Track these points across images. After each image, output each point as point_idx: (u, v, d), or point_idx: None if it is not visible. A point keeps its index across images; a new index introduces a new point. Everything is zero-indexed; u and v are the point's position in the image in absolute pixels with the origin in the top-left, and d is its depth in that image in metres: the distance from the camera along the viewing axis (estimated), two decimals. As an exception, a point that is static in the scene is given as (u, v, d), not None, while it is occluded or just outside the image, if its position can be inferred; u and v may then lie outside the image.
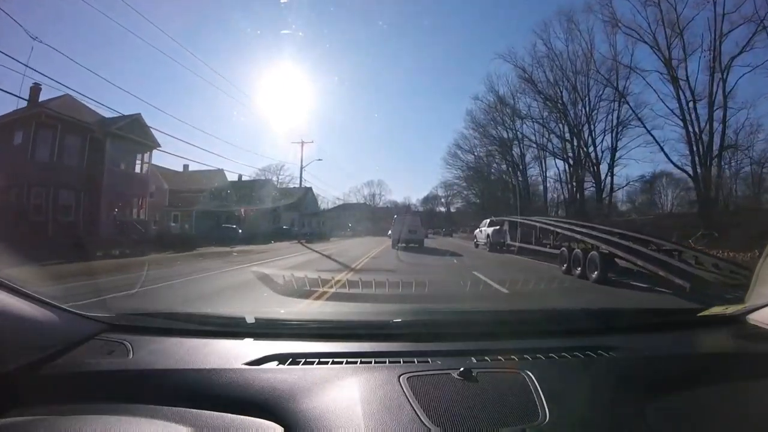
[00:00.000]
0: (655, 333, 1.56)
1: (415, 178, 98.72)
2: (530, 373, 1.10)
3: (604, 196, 32.01)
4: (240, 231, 28.04)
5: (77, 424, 0.94)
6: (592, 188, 33.18)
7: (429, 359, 1.22)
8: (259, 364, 1.18)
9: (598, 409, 1.03)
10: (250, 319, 1.45)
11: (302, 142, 30.95)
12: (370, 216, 60.04)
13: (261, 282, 6.24)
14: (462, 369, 1.10)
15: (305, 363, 1.20)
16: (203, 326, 1.47)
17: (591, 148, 32.61)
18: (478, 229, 20.73)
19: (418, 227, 20.10)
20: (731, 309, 1.62)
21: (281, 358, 1.21)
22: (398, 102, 73.26)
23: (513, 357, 1.23)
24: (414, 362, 1.20)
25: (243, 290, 6.52)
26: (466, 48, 60.69)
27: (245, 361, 1.19)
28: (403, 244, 18.36)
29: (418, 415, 0.93)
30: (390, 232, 24.36)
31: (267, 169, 44.35)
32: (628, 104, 29.27)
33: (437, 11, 51.83)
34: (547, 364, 1.22)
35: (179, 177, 33.40)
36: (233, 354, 1.24)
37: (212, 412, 0.99)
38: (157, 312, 1.61)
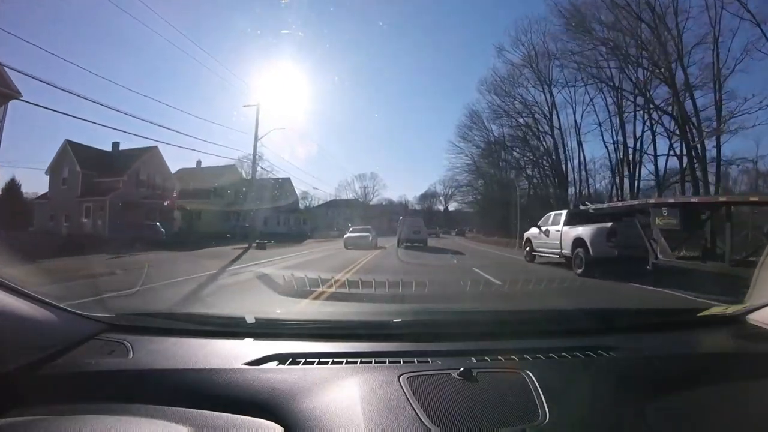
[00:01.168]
0: (655, 333, 1.56)
1: (411, 176, 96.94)
2: (530, 373, 1.10)
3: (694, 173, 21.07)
4: (163, 230, 21.77)
5: (77, 424, 0.94)
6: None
7: (429, 359, 1.22)
8: (259, 364, 1.18)
9: (598, 409, 1.03)
10: (250, 319, 1.45)
11: (257, 105, 21.06)
12: (362, 214, 53.36)
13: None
14: (462, 369, 1.10)
15: (305, 363, 1.20)
16: (203, 326, 1.47)
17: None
18: (534, 230, 11.93)
19: (421, 228, 21.60)
20: (731, 309, 1.63)
21: (281, 358, 1.21)
22: (394, 100, 71.93)
23: (513, 357, 1.23)
24: (414, 362, 1.20)
25: None
26: (465, 47, 60.31)
27: (245, 361, 1.19)
28: (408, 243, 19.58)
29: (418, 415, 0.94)
30: (346, 236, 20.37)
31: (246, 158, 36.57)
32: (759, 26, 17.85)
33: (436, 10, 51.44)
34: (547, 364, 1.22)
35: (103, 158, 25.13)
36: (233, 354, 1.24)
37: (212, 412, 0.99)
38: (157, 312, 1.61)
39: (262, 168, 26.57)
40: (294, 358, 1.21)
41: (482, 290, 5.91)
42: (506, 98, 33.35)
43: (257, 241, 19.16)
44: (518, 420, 0.94)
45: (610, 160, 27.19)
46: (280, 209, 35.88)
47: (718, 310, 1.69)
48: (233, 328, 1.45)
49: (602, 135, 27.62)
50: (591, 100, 27.82)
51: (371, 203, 63.41)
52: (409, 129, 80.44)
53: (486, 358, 1.23)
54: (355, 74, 59.01)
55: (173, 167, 31.09)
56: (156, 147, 25.77)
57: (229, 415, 0.98)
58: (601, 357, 1.28)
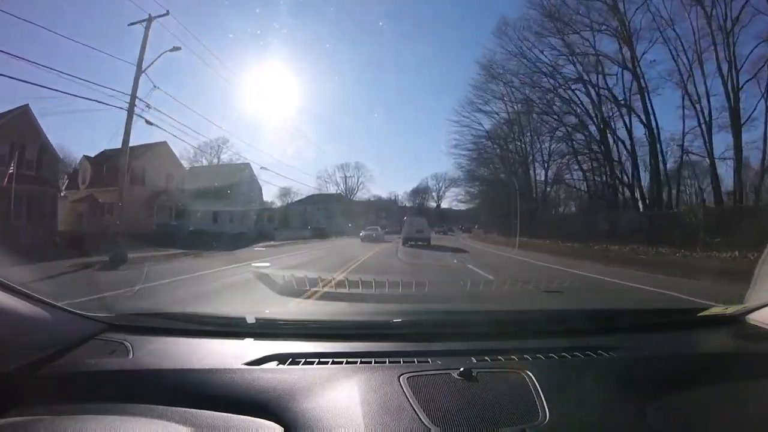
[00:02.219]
0: (655, 333, 1.56)
1: (401, 171, 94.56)
2: (530, 373, 1.10)
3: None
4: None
5: (77, 424, 0.94)
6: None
7: (429, 359, 1.22)
8: (259, 364, 1.18)
9: (598, 409, 1.03)
10: (250, 319, 1.45)
11: (149, 19, 12.73)
12: (346, 210, 46.72)
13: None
14: (462, 369, 1.10)
15: (305, 363, 1.20)
16: (203, 326, 1.47)
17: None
18: None
19: (424, 227, 23.23)
20: (731, 309, 1.63)
21: (281, 358, 1.21)
22: (384, 89, 67.96)
23: (513, 357, 1.23)
24: (414, 362, 1.20)
25: None
26: (457, 46, 58.83)
27: (245, 361, 1.19)
28: (412, 242, 20.97)
29: (418, 415, 0.94)
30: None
31: (207, 145, 32.65)
32: None
33: (430, 8, 49.82)
34: (547, 364, 1.22)
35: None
36: (233, 354, 1.24)
37: (212, 412, 0.99)
38: (157, 312, 1.61)
39: (244, 158, 21.90)
40: (294, 358, 1.21)
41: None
42: (545, 29, 23.83)
43: (110, 253, 10.99)
44: (518, 420, 0.94)
45: (699, 123, 18.41)
46: (236, 203, 27.28)
47: (717, 310, 1.70)
48: (233, 328, 1.45)
49: (685, 89, 18.34)
50: (661, 33, 19.66)
51: (356, 199, 55.48)
52: (400, 121, 76.13)
53: (486, 358, 1.23)
54: (341, 61, 54.60)
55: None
56: (25, 106, 17.41)
57: (229, 415, 0.98)
58: (601, 357, 1.28)
